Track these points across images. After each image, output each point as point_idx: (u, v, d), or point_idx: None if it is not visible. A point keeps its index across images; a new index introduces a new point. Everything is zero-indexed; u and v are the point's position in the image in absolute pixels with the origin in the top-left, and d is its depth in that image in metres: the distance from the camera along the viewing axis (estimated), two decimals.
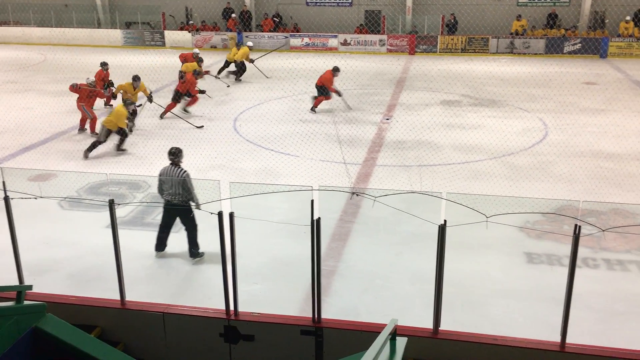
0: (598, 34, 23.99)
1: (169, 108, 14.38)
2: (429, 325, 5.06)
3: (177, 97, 14.49)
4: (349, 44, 25.49)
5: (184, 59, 17.93)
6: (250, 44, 20.07)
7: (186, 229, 7.44)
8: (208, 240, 7.32)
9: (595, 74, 19.98)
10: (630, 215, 8.73)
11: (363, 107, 15.73)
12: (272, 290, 6.99)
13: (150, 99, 13.95)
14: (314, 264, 5.06)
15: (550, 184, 10.24)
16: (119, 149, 12.05)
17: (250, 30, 26.92)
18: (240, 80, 19.02)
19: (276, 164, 11.31)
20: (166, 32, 26.85)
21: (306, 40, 25.91)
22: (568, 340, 4.89)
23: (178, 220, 7.48)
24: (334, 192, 8.66)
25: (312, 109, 15.09)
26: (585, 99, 16.13)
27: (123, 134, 11.99)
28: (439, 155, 11.70)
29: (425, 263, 4.97)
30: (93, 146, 11.76)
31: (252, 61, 18.95)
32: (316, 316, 5.19)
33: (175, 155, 7.50)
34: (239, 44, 22.39)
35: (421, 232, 7.86)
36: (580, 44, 23.37)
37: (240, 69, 19.05)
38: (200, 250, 7.52)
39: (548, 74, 19.07)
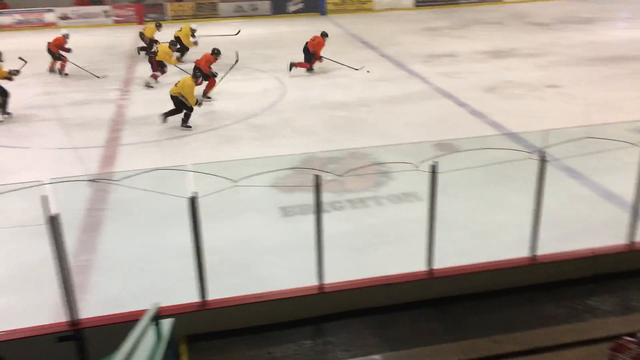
0: None
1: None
2: (197, 298, 5.01)
3: None
4: (70, 17, 23.40)
5: None
6: None
7: None
8: None
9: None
10: (364, 156, 9.69)
11: (98, 85, 14.68)
12: (20, 301, 6.23)
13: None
14: (61, 262, 4.60)
15: (294, 138, 10.82)
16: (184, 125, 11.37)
17: None
18: None
19: (3, 159, 9.99)
20: None
21: (18, 17, 23.10)
22: (326, 281, 5.28)
23: None
24: (78, 182, 7.99)
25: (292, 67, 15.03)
26: None
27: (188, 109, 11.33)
28: None
29: (187, 237, 4.86)
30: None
31: None
32: (73, 318, 4.76)
33: None
34: None
35: (178, 207, 7.73)
36: (302, 3, 24.84)
37: None
38: None
39: (278, 33, 19.95)
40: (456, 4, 26.22)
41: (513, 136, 10.27)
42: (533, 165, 5.57)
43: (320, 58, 15.22)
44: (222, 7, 24.29)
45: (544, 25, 20.87)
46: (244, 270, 6.63)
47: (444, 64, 15.66)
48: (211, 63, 13.36)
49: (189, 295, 5.15)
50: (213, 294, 5.13)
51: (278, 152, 9.85)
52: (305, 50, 15.19)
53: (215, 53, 13.47)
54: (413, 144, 9.98)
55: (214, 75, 13.46)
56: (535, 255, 5.66)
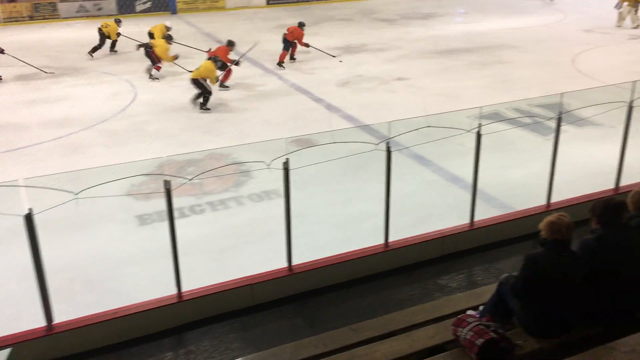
0: None
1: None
2: (44, 323, 4.63)
3: None
4: None
5: None
6: None
7: None
8: None
9: (176, 31, 20.85)
10: (223, 157, 9.56)
11: None
12: None
13: None
14: None
15: (149, 143, 10.41)
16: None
17: None
18: None
19: None
20: None
21: None
22: (187, 288, 5.13)
23: None
24: None
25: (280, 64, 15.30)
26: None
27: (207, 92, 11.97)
28: (26, 136, 10.65)
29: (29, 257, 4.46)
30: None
31: None
32: None
33: None
34: None
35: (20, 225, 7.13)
36: (150, 2, 23.95)
37: None
38: None
39: (126, 34, 18.99)
40: (307, 1, 26.74)
41: (367, 128, 10.67)
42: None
43: (306, 44, 15.66)
44: (63, 7, 22.70)
45: (390, 21, 21.93)
46: (99, 286, 6.26)
47: (298, 61, 15.89)
48: (228, 53, 13.74)
49: (35, 319, 4.76)
50: (64, 316, 4.78)
51: (132, 158, 9.40)
52: (284, 40, 15.47)
53: (231, 44, 13.93)
54: (271, 141, 10.01)
55: (237, 63, 13.92)
56: (388, 242, 5.91)
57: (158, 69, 14.57)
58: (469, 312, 3.98)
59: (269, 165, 5.05)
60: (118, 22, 17.31)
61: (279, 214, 5.40)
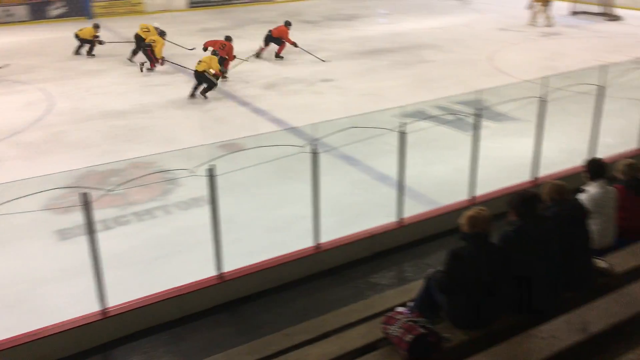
0: None
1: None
2: None
3: None
4: None
5: None
6: None
7: None
8: None
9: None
10: (148, 165, 9.28)
11: None
12: None
13: None
14: None
15: (68, 154, 9.97)
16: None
17: None
18: None
19: None
20: None
21: None
22: (114, 303, 4.94)
23: None
24: None
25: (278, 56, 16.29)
26: (82, 62, 16.14)
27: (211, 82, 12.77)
28: None
29: None
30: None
31: None
32: None
33: None
34: None
35: None
36: (65, 7, 23.02)
37: None
38: None
39: (39, 41, 18.26)
40: (230, 4, 26.46)
41: (294, 131, 10.67)
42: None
43: (294, 44, 16.16)
44: None
45: (314, 23, 22.05)
46: (18, 307, 5.92)
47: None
48: (230, 50, 14.46)
49: None
50: None
51: (51, 170, 8.96)
52: (269, 37, 16.21)
53: (229, 39, 14.66)
54: (198, 147, 9.83)
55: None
56: (319, 243, 5.92)
57: (153, 67, 14.89)
58: (399, 308, 4.03)
59: (193, 172, 4.94)
60: (96, 27, 17.09)
61: (208, 221, 5.30)
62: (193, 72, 12.86)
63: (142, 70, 14.81)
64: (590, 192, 4.94)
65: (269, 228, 7.40)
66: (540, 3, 20.08)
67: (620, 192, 5.08)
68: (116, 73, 14.93)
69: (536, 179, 7.43)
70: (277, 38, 16.34)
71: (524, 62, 15.42)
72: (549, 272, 3.99)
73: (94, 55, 16.66)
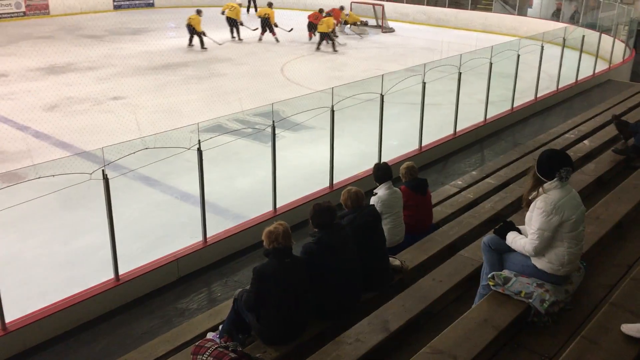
0: None
1: None
2: None
3: None
4: None
5: None
6: None
7: None
8: None
9: None
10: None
11: None
12: None
13: None
14: None
15: None
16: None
17: None
18: None
19: None
20: None
21: None
22: None
23: None
24: None
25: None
26: None
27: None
28: None
29: None
30: None
31: None
32: None
33: None
34: None
35: None
36: None
37: None
38: None
39: None
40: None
41: (85, 154, 9.86)
42: (111, 181, 5.42)
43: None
44: None
45: (98, 38, 20.78)
46: None
47: None
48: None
49: None
50: None
51: None
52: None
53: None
54: None
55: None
56: (119, 275, 5.52)
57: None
58: (209, 334, 3.88)
59: None
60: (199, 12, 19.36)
61: None
62: None
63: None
64: (379, 194, 5.27)
65: (62, 263, 6.73)
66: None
67: (405, 193, 5.51)
68: None
69: (333, 185, 7.79)
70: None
71: (312, 73, 16.17)
72: (349, 276, 4.15)
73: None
